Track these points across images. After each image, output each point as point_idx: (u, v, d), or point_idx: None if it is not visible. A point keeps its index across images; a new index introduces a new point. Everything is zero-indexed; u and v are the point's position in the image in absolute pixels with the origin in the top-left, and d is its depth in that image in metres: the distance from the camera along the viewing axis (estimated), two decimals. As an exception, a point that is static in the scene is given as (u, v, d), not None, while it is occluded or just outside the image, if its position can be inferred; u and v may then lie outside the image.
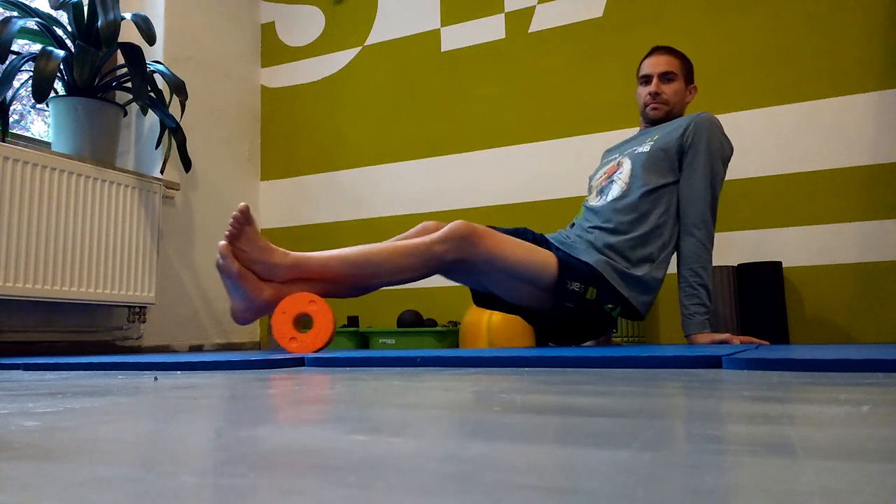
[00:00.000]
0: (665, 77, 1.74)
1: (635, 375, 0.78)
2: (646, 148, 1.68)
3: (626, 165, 1.70)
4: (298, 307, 1.43)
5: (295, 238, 3.00)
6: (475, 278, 1.57)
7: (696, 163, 1.63)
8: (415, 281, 1.52)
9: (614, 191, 1.68)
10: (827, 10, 2.21)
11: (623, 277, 1.57)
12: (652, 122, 1.78)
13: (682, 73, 1.76)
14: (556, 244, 1.69)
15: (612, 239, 1.62)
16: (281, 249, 1.47)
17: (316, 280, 1.48)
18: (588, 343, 1.77)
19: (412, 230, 1.64)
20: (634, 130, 2.29)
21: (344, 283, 1.49)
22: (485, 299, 1.69)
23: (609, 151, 1.91)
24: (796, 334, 2.14)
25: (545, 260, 1.52)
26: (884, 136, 2.10)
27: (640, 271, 1.59)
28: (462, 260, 1.47)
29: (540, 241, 1.70)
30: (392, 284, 1.51)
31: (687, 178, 1.64)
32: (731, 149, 1.68)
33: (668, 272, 1.72)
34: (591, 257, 1.57)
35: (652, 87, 1.74)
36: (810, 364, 0.81)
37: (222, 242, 1.42)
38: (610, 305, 1.57)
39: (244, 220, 1.43)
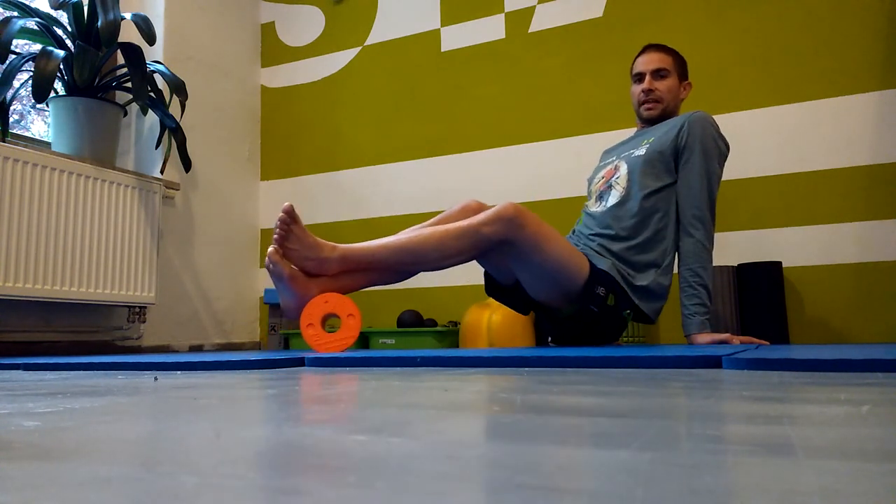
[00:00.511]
0: (658, 74, 1.74)
1: (635, 375, 0.78)
2: (642, 151, 1.68)
3: (623, 169, 1.70)
4: (319, 313, 1.45)
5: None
6: (509, 265, 1.56)
7: (691, 163, 1.63)
8: (461, 263, 1.52)
9: (613, 196, 1.68)
10: (827, 10, 2.21)
11: (630, 287, 1.58)
12: (647, 122, 1.78)
13: (675, 70, 1.75)
14: None
15: (615, 246, 1.62)
16: (329, 243, 1.47)
17: (363, 270, 1.50)
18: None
19: (453, 210, 1.63)
20: (633, 130, 2.29)
21: (390, 271, 1.51)
22: (497, 289, 1.69)
23: (607, 153, 1.91)
24: (796, 334, 2.14)
25: (580, 262, 1.52)
26: (884, 136, 2.10)
27: (645, 280, 1.59)
28: (508, 241, 1.46)
29: None
30: (439, 269, 1.52)
31: (684, 179, 1.64)
32: (728, 147, 1.67)
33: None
34: (604, 264, 1.57)
35: (645, 85, 1.74)
36: (810, 364, 0.81)
37: (272, 248, 1.43)
38: (628, 311, 1.58)
39: (290, 219, 1.43)
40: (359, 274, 1.50)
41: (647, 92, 1.74)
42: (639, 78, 1.77)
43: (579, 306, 1.53)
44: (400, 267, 1.50)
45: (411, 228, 1.55)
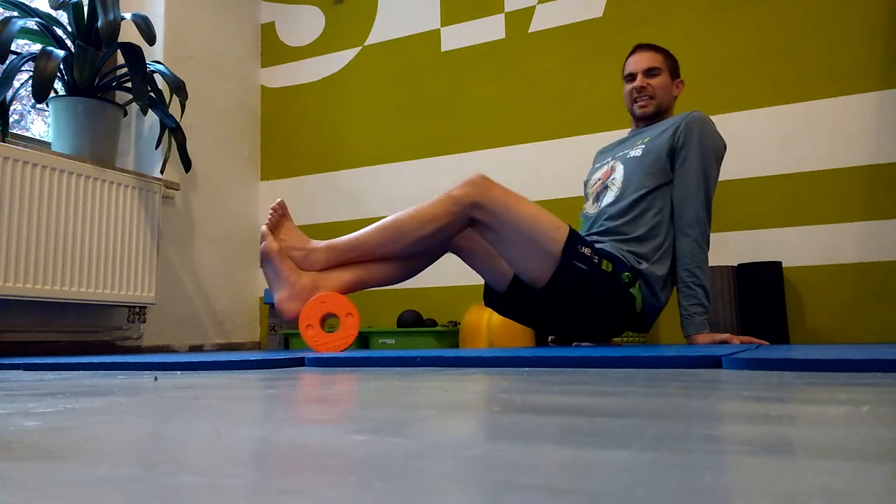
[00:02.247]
0: (650, 72, 1.74)
1: (635, 375, 0.78)
2: (637, 152, 1.68)
3: (619, 170, 1.70)
4: (317, 313, 1.45)
5: (295, 238, 3.00)
6: (486, 240, 1.54)
7: (688, 163, 1.62)
8: (443, 235, 1.51)
9: (609, 196, 1.69)
10: (827, 10, 2.21)
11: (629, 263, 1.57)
12: (641, 120, 1.78)
13: (666, 68, 1.75)
14: None
15: (606, 239, 1.62)
16: (313, 240, 1.55)
17: (350, 263, 1.53)
18: (586, 344, 1.76)
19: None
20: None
21: (379, 256, 1.53)
22: (494, 298, 1.69)
23: (602, 153, 1.91)
24: (796, 334, 2.14)
25: (557, 222, 1.50)
26: (884, 136, 2.10)
27: (640, 266, 1.59)
28: (479, 205, 1.47)
29: None
30: (422, 244, 1.52)
31: (680, 179, 1.63)
32: (724, 146, 1.67)
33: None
34: (598, 245, 1.58)
35: (637, 83, 1.74)
36: (810, 364, 0.81)
37: (264, 226, 1.52)
38: (627, 274, 1.52)
39: (281, 210, 1.53)
40: (349, 269, 1.52)
41: (640, 90, 1.74)
42: (630, 77, 1.77)
43: (563, 263, 1.46)
44: (384, 247, 1.52)
45: None
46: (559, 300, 1.51)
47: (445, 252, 1.63)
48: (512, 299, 1.64)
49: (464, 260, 1.65)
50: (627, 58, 1.80)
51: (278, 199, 1.54)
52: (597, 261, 1.49)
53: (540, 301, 1.55)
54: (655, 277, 1.60)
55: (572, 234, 1.49)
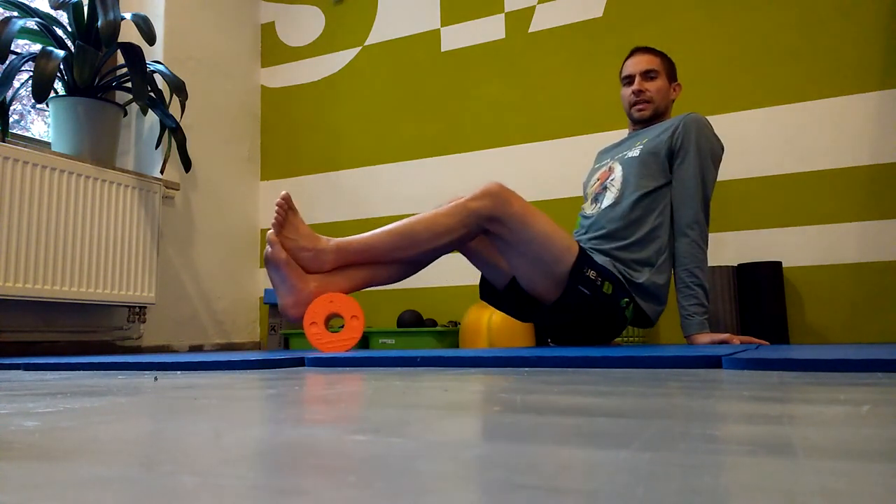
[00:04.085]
0: (647, 75, 1.75)
1: (635, 375, 0.78)
2: (636, 153, 1.68)
3: (618, 171, 1.70)
4: (322, 312, 1.44)
5: (295, 238, 3.00)
6: (497, 249, 1.55)
7: (686, 164, 1.63)
8: (454, 246, 1.51)
9: (608, 198, 1.68)
10: (827, 10, 2.21)
11: (627, 281, 1.57)
12: (638, 123, 1.78)
13: (664, 71, 1.76)
14: None
15: (609, 245, 1.61)
16: (324, 237, 1.50)
17: (360, 264, 1.50)
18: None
19: (442, 204, 1.64)
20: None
21: (388, 260, 1.51)
22: (492, 294, 1.69)
23: (601, 154, 1.91)
24: (796, 334, 2.14)
25: (569, 241, 1.51)
26: (884, 136, 2.10)
27: (640, 278, 1.58)
28: (495, 218, 1.46)
29: None
30: (435, 252, 1.51)
31: (678, 180, 1.64)
32: (722, 148, 1.68)
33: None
34: (600, 260, 1.57)
35: (635, 86, 1.75)
36: (810, 364, 0.81)
37: (270, 231, 1.45)
38: (626, 300, 1.55)
39: (287, 206, 1.46)
40: (356, 270, 1.50)
41: (638, 93, 1.74)
42: (628, 80, 1.78)
43: (569, 285, 1.50)
44: (395, 253, 1.49)
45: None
46: (557, 315, 1.57)
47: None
48: (509, 296, 1.65)
49: (466, 257, 1.65)
50: (625, 60, 1.81)
51: (283, 193, 1.46)
52: (599, 283, 1.51)
53: (538, 308, 1.61)
54: (657, 286, 1.60)
55: (581, 256, 1.51)
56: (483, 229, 1.50)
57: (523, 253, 1.51)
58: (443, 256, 1.63)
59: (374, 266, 1.52)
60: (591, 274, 1.50)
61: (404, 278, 1.58)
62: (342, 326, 1.47)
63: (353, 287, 1.51)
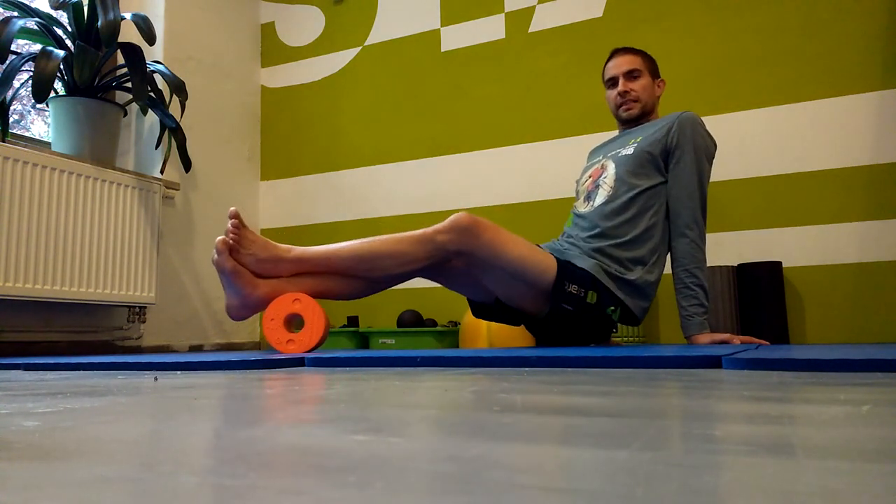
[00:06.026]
0: (630, 75, 1.75)
1: (635, 375, 0.78)
2: (629, 150, 1.68)
3: (611, 169, 1.70)
4: (285, 310, 1.43)
5: (295, 238, 2.99)
6: (474, 278, 1.56)
7: (683, 163, 1.62)
8: (417, 274, 1.50)
9: (601, 196, 1.68)
10: (827, 10, 2.21)
11: (616, 281, 1.57)
12: (627, 123, 1.79)
13: (646, 69, 1.76)
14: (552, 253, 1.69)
15: (602, 243, 1.61)
16: (283, 245, 1.48)
17: (320, 273, 1.48)
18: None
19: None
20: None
21: (348, 277, 1.49)
22: (483, 309, 1.68)
23: (593, 152, 1.91)
24: (796, 334, 2.14)
25: (545, 261, 1.51)
26: (884, 135, 2.10)
27: (632, 275, 1.58)
28: (463, 252, 1.45)
29: None
30: (396, 278, 1.50)
31: (676, 179, 1.63)
32: (715, 146, 1.68)
33: (663, 272, 1.71)
34: (585, 263, 1.56)
35: (620, 87, 1.75)
36: (810, 364, 0.81)
37: (219, 238, 1.44)
38: (612, 308, 1.56)
39: (240, 224, 1.45)
40: (312, 278, 1.48)
41: (623, 94, 1.75)
42: (612, 82, 1.78)
43: (552, 306, 1.51)
44: (353, 271, 1.47)
45: (373, 237, 1.52)
46: (547, 327, 1.60)
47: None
48: (500, 308, 1.64)
49: (443, 285, 1.62)
50: (606, 63, 1.81)
51: (231, 210, 1.45)
52: (583, 294, 1.51)
53: (530, 318, 1.63)
54: (647, 284, 1.60)
55: (560, 272, 1.50)
56: (448, 259, 1.49)
57: (500, 279, 1.51)
58: None
59: (331, 277, 1.49)
60: (573, 289, 1.50)
61: (361, 296, 1.54)
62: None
63: (312, 292, 1.48)
